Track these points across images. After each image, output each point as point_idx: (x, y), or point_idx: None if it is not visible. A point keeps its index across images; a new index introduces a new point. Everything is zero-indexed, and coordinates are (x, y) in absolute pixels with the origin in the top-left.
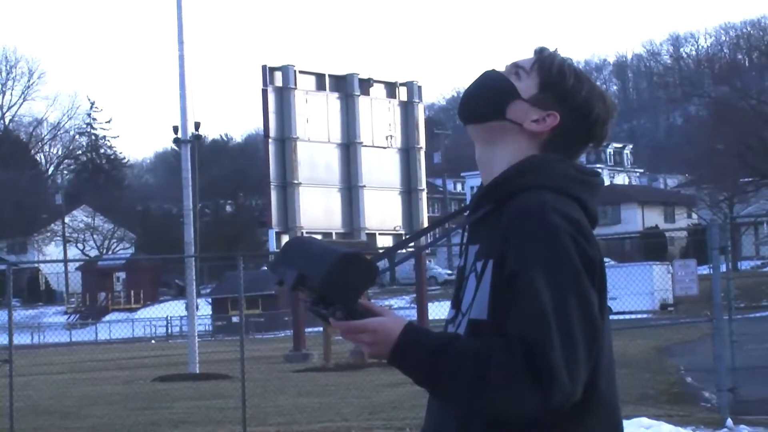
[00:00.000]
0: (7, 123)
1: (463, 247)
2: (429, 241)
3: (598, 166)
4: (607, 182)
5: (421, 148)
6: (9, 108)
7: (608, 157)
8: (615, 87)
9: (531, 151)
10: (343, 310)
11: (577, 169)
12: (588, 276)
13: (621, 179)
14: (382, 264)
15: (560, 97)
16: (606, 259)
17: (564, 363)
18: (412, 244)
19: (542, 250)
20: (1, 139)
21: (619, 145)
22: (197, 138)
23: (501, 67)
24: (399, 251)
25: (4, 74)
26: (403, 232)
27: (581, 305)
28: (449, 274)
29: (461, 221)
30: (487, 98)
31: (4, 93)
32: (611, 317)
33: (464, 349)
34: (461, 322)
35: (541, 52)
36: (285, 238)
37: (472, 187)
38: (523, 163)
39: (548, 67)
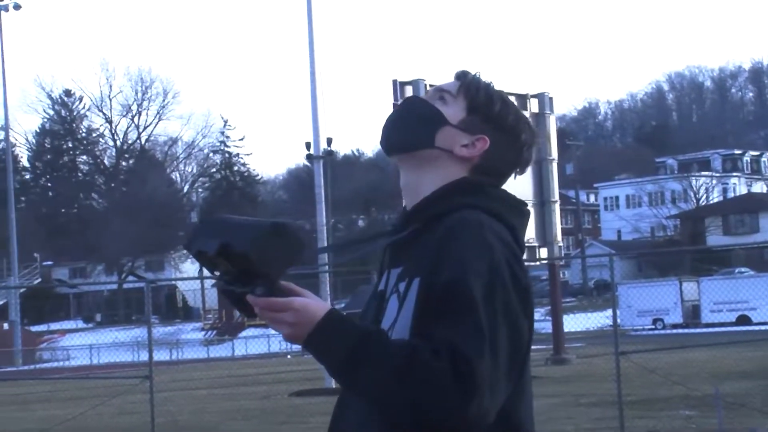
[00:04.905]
0: (143, 142)
1: (385, 271)
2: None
3: (734, 174)
4: (744, 190)
5: (553, 159)
6: (145, 128)
7: (745, 165)
8: (751, 94)
9: (460, 176)
10: (265, 287)
11: (509, 195)
12: (521, 305)
13: (759, 187)
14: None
15: (489, 120)
16: (744, 269)
17: (488, 379)
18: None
19: (480, 266)
20: (137, 159)
21: (756, 153)
22: (329, 154)
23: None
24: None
25: (140, 95)
26: (536, 245)
27: (510, 331)
28: (578, 284)
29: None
30: (414, 128)
31: (140, 113)
32: (750, 328)
33: (390, 341)
34: None
35: (464, 76)
36: None
37: (605, 198)
38: (456, 184)
39: (475, 90)
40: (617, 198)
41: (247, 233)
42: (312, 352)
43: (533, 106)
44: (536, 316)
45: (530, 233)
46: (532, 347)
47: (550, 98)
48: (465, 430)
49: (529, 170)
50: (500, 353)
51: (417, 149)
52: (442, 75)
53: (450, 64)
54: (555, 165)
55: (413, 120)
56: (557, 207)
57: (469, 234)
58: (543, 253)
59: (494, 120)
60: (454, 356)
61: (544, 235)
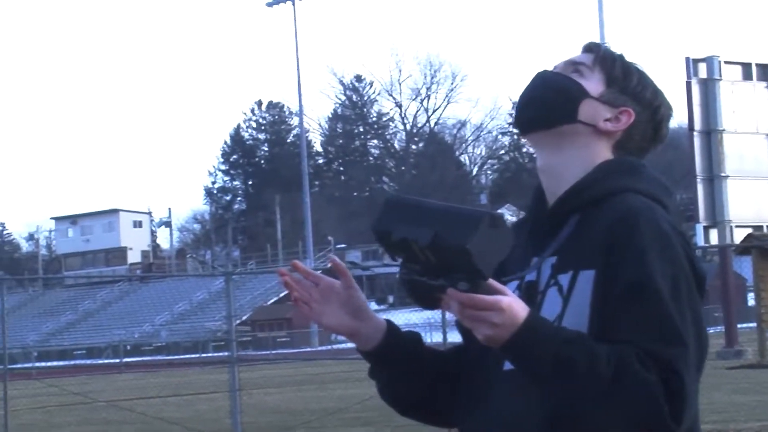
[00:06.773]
0: (432, 125)
1: (532, 260)
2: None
3: None
4: None
5: None
6: (434, 111)
7: None
8: None
9: (606, 154)
10: (468, 281)
11: (658, 175)
12: (701, 298)
13: None
14: None
15: (626, 94)
16: None
17: (693, 392)
18: None
19: (663, 263)
20: (427, 142)
21: None
22: None
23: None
24: None
25: (428, 78)
26: None
27: (698, 332)
28: None
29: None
30: (555, 100)
31: (429, 96)
32: None
33: (594, 345)
34: None
35: (597, 48)
36: (713, 233)
37: None
38: (609, 165)
39: (611, 62)
40: None
41: (463, 224)
42: (510, 357)
43: None
44: None
45: None
46: None
47: None
48: None
49: None
50: (694, 361)
51: (559, 124)
52: (737, 51)
53: (745, 38)
54: None
55: (553, 93)
56: None
57: (646, 224)
58: None
59: (632, 93)
60: (663, 368)
61: None
